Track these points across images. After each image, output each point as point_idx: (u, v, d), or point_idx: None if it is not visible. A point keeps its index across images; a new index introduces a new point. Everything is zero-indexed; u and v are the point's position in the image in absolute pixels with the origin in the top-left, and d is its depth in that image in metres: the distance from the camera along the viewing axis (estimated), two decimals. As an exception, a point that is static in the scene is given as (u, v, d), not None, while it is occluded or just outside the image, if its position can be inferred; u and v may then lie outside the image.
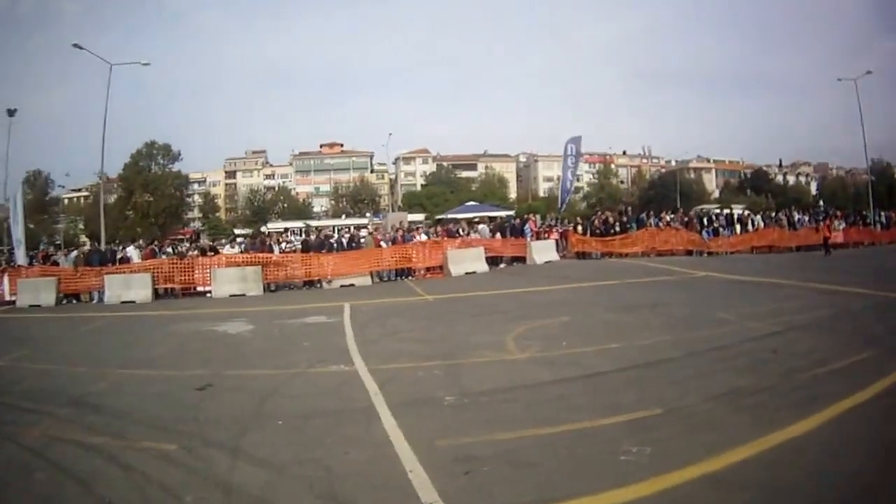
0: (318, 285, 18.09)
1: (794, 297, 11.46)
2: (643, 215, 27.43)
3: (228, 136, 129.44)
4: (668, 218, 26.71)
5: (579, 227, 24.92)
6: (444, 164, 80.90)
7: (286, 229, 47.77)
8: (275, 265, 18.04)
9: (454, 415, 5.47)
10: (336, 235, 21.73)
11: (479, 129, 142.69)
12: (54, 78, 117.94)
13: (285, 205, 70.79)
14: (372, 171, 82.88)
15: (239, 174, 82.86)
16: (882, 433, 4.56)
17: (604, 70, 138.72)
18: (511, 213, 29.52)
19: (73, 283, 18.31)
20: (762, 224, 28.31)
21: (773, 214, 30.97)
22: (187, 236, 56.92)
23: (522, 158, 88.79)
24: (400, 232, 21.28)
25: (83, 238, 56.32)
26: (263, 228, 51.10)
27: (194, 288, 18.11)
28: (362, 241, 20.36)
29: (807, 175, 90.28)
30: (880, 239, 29.47)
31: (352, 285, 17.73)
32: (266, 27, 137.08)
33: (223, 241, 25.31)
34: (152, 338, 11.23)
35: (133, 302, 16.88)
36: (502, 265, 20.85)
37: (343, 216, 58.20)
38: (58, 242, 53.68)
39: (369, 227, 33.58)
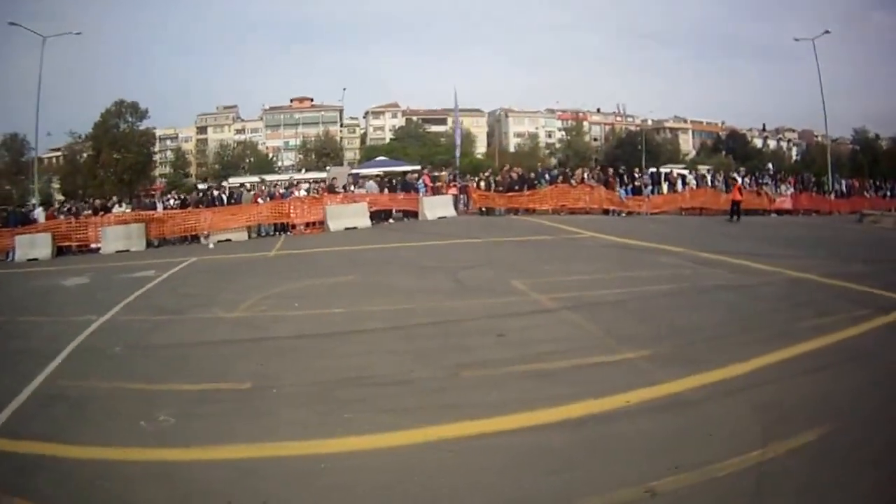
0: (200, 240, 19.00)
1: (655, 266, 10.74)
2: (555, 171, 27.49)
3: (201, 92, 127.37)
4: (582, 175, 26.27)
5: (482, 183, 24.88)
6: (414, 118, 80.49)
7: (242, 184, 48.19)
8: (158, 222, 18.97)
9: (103, 363, 6.50)
10: (217, 192, 22.26)
11: (455, 84, 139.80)
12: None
13: (251, 159, 71.09)
14: (342, 126, 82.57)
15: (210, 130, 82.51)
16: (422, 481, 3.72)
17: (586, 26, 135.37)
18: (418, 168, 29.87)
19: (-8, 244, 19.44)
20: (694, 184, 27.46)
21: (710, 175, 30.00)
22: (158, 192, 57.57)
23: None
24: (278, 188, 21.95)
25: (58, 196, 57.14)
26: (224, 183, 51.58)
27: (88, 245, 19.07)
28: (242, 197, 21.06)
29: (788, 141, 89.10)
30: (837, 208, 28.14)
31: (228, 240, 18.64)
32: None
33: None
34: (5, 291, 12.89)
35: (36, 259, 18.02)
36: (391, 220, 21.47)
37: (303, 170, 58.53)
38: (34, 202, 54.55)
39: (327, 180, 34.13)
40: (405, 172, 27.42)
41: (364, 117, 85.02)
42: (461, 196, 24.17)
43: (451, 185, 24.94)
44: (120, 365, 6.41)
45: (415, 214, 21.83)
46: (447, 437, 4.18)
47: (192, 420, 4.72)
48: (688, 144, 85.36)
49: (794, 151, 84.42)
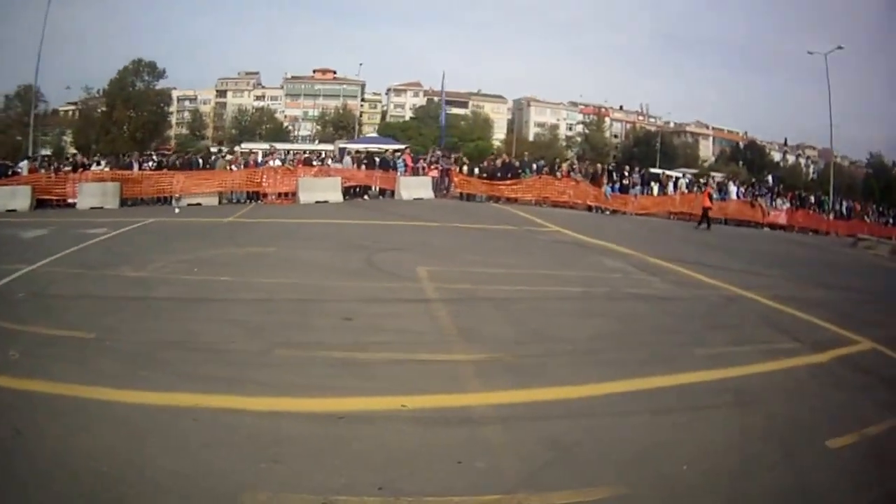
0: (171, 202, 19.36)
1: (591, 267, 10.55)
2: (541, 161, 27.44)
3: (225, 56, 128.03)
4: (566, 168, 26.29)
5: (465, 168, 24.72)
6: (435, 99, 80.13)
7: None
8: (133, 182, 19.44)
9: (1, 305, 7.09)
10: (194, 157, 22.64)
11: (481, 68, 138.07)
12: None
13: (268, 126, 71.79)
14: (363, 101, 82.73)
15: (230, 94, 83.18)
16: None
17: (619, 24, 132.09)
18: (403, 146, 29.97)
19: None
20: (685, 188, 27.29)
21: (702, 182, 29.66)
22: (170, 151, 58.54)
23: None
24: (252, 157, 22.29)
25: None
26: (237, 148, 52.19)
27: (66, 200, 19.63)
28: (217, 163, 21.42)
29: (808, 158, 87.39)
30: (835, 229, 27.74)
31: (199, 204, 19.02)
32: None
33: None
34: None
35: (15, 210, 18.57)
36: (365, 197, 21.63)
37: (316, 141, 59.15)
38: (46, 154, 55.91)
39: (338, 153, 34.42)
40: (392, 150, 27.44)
41: (386, 94, 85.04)
42: (444, 179, 23.96)
43: (433, 166, 24.63)
44: (13, 307, 7.00)
45: (393, 193, 21.92)
46: (202, 406, 4.26)
47: (32, 357, 5.22)
48: (707, 151, 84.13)
49: (811, 169, 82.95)
